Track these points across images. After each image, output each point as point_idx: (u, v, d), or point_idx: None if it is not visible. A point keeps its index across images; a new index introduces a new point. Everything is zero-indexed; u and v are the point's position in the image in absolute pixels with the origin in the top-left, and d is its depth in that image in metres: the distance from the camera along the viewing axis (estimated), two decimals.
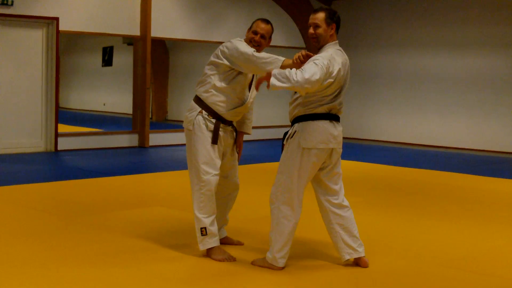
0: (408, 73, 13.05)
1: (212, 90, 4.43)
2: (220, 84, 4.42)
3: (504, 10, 11.78)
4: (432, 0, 12.73)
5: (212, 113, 4.43)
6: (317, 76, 3.90)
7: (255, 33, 4.48)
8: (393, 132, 13.31)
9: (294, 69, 3.95)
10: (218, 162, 4.44)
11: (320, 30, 4.19)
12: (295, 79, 3.87)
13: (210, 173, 4.37)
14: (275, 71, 3.98)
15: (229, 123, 4.52)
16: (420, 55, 12.88)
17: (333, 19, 4.20)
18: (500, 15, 11.85)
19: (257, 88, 4.22)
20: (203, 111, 4.43)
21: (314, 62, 3.98)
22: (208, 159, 4.37)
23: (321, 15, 4.19)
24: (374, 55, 13.55)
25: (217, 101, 4.43)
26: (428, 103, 12.75)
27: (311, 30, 4.22)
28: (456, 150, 12.26)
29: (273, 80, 3.92)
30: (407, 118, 13.08)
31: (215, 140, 4.41)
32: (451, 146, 12.43)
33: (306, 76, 3.87)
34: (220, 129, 4.45)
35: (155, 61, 15.80)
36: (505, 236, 5.51)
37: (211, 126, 4.42)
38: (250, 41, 4.47)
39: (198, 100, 4.48)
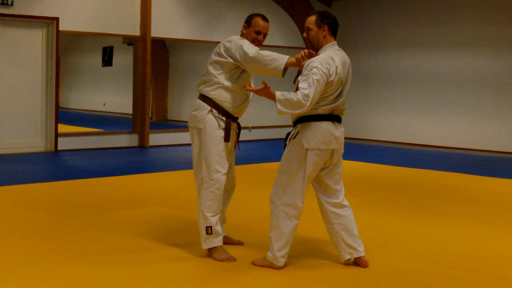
0: (408, 73, 13.05)
1: (220, 89, 4.42)
2: (228, 83, 4.41)
3: (504, 10, 11.78)
4: (432, 0, 12.73)
5: (222, 111, 4.43)
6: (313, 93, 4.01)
7: (258, 33, 4.47)
8: (393, 132, 13.31)
9: (295, 95, 3.99)
10: (227, 162, 4.45)
11: (312, 33, 4.26)
12: (307, 106, 3.98)
13: (221, 171, 4.38)
14: (279, 96, 4.00)
15: (235, 119, 4.53)
16: (420, 55, 12.88)
17: (323, 21, 4.25)
18: (500, 15, 11.84)
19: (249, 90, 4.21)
20: (213, 110, 4.42)
21: (308, 82, 4.00)
22: (220, 158, 4.38)
23: (311, 18, 4.28)
24: (374, 55, 13.55)
25: (226, 99, 4.43)
26: (428, 103, 12.75)
27: (304, 34, 4.32)
28: (456, 150, 12.26)
29: (280, 107, 4.01)
30: (407, 118, 13.08)
31: (227, 137, 4.42)
32: (451, 146, 12.43)
33: (310, 97, 3.98)
34: None
35: (155, 61, 15.79)
36: (505, 236, 5.50)
37: (223, 125, 4.42)
38: (253, 41, 4.45)
39: (206, 99, 4.45)
